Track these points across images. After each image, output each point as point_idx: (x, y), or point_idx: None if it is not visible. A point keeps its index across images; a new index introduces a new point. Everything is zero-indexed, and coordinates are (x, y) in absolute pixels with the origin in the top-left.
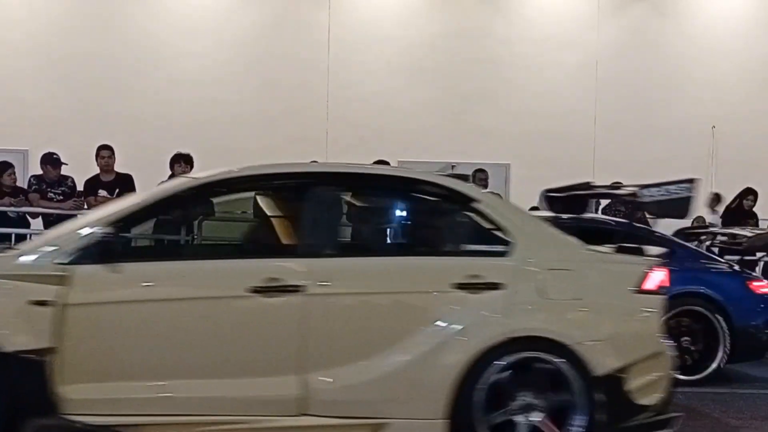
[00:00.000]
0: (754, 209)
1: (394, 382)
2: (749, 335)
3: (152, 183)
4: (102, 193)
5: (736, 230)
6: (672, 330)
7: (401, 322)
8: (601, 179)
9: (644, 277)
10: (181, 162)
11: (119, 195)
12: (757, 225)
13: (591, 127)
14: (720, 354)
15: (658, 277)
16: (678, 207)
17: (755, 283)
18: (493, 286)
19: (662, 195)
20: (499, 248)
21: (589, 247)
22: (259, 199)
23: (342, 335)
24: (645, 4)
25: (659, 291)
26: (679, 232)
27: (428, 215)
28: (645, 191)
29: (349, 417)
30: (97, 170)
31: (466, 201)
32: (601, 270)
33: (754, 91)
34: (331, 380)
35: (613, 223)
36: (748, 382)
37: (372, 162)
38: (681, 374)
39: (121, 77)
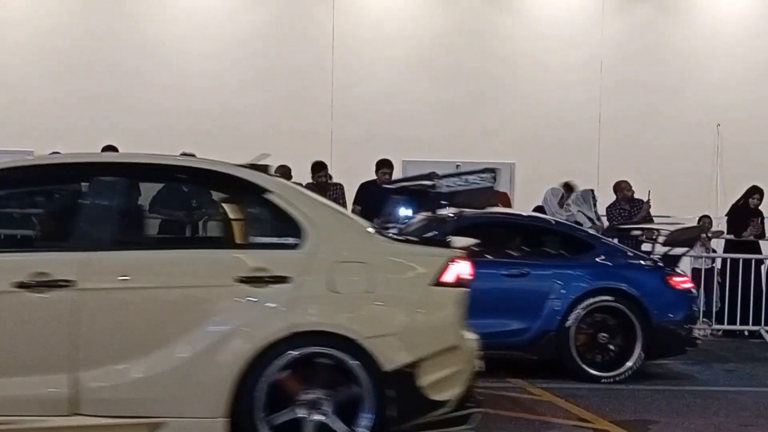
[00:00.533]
0: (761, 208)
1: (171, 379)
2: (668, 331)
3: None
4: None
5: (656, 225)
6: (589, 326)
7: (180, 317)
8: (606, 178)
9: (443, 269)
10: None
11: None
12: (763, 223)
13: (596, 125)
14: (637, 351)
15: (457, 270)
16: (478, 197)
17: (676, 279)
18: (280, 280)
19: (461, 185)
20: (291, 240)
21: (388, 239)
22: (35, 190)
23: (115, 332)
24: (650, 3)
25: (458, 284)
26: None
27: (217, 207)
28: (443, 182)
29: (123, 416)
30: None
31: (257, 192)
32: (397, 262)
33: (759, 90)
34: (104, 378)
35: (524, 217)
36: (669, 379)
37: (376, 161)
38: (597, 371)
39: (126, 78)
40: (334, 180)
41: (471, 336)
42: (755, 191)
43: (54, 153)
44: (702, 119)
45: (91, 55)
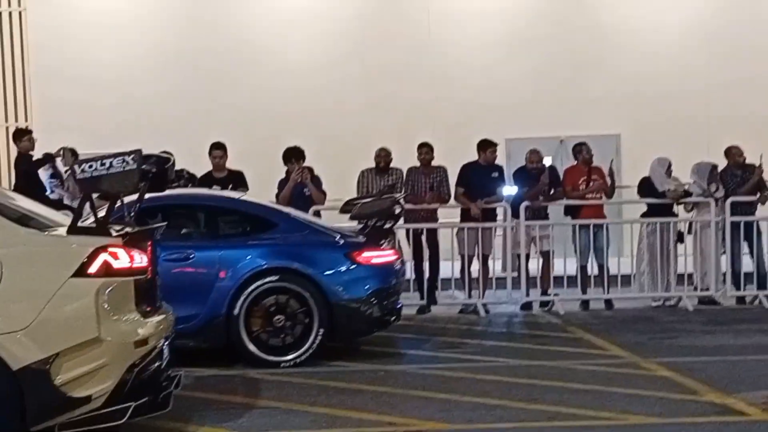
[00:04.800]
0: None
1: None
2: (351, 311)
3: (265, 177)
4: (215, 188)
5: None
6: (264, 309)
7: None
8: (717, 140)
9: (86, 259)
10: (292, 159)
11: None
12: None
13: (703, 86)
14: (313, 332)
15: (107, 259)
16: (121, 182)
17: (365, 254)
18: None
19: (102, 170)
20: None
21: (33, 230)
22: None
23: None
24: None
25: (109, 273)
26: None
27: None
28: (82, 167)
29: None
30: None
31: None
32: (33, 253)
33: None
34: None
35: (202, 197)
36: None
37: (478, 141)
38: (275, 356)
39: (229, 72)
40: (436, 163)
41: (137, 326)
42: None
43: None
44: None
45: (194, 53)
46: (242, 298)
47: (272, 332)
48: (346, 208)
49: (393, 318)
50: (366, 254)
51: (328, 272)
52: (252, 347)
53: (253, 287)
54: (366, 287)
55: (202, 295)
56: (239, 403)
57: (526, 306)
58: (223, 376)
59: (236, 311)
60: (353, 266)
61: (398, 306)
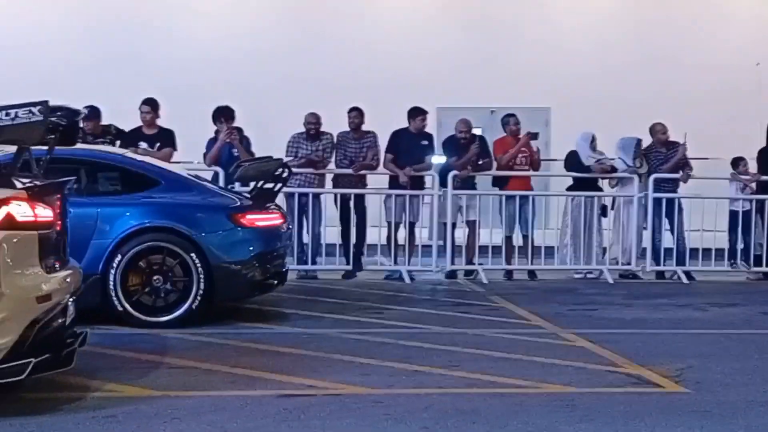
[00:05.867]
0: None
1: None
2: (231, 273)
3: (194, 135)
4: (143, 145)
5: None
6: (142, 268)
7: None
8: (644, 119)
9: None
10: (222, 118)
11: (160, 149)
12: None
13: (629, 67)
14: (192, 293)
15: (6, 212)
16: (26, 132)
17: (249, 216)
18: None
19: (6, 120)
20: None
21: None
22: None
23: None
24: None
25: (6, 226)
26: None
27: None
28: None
29: None
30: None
31: None
32: None
33: None
34: None
35: (108, 153)
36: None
37: (408, 109)
38: (152, 316)
39: (155, 25)
40: (366, 128)
41: (40, 281)
42: None
43: (87, 107)
44: (742, 58)
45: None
46: (119, 257)
47: (149, 292)
48: (235, 169)
49: (276, 282)
50: (250, 216)
51: (209, 233)
52: (128, 306)
53: (130, 246)
54: (249, 250)
55: (78, 253)
56: (157, 362)
57: (451, 274)
58: (142, 335)
59: (112, 270)
60: (236, 228)
61: (283, 269)
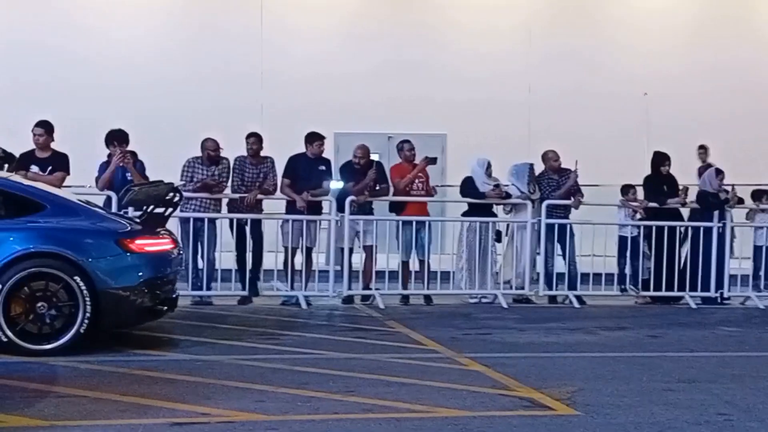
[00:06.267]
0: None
1: None
2: (119, 299)
3: (88, 159)
4: (34, 168)
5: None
6: (26, 295)
7: None
8: (537, 146)
9: None
10: (114, 142)
11: (52, 172)
12: (677, 189)
13: (526, 93)
14: (79, 320)
15: None
16: None
17: (138, 241)
18: None
19: None
20: None
21: None
22: None
23: None
24: None
25: None
26: None
27: None
28: None
29: None
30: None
31: None
32: None
33: (684, 58)
34: None
35: None
36: (593, 345)
37: (306, 134)
38: (34, 344)
39: (56, 49)
40: (264, 153)
41: None
42: (664, 158)
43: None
44: (630, 88)
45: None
46: (0, 285)
47: (33, 319)
48: (124, 194)
49: (167, 308)
50: (139, 242)
51: (95, 258)
52: (9, 333)
53: (14, 272)
54: (137, 275)
55: None
56: (45, 391)
57: (348, 299)
58: (29, 363)
59: None
60: (125, 254)
61: (173, 296)
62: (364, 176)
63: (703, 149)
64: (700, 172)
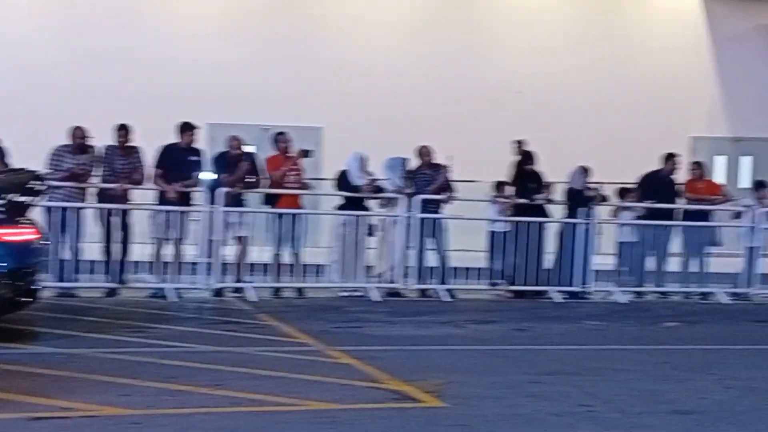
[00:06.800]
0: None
1: None
2: None
3: None
4: None
5: None
6: None
7: None
8: (417, 142)
9: None
10: None
11: None
12: (542, 186)
13: (404, 89)
14: None
15: None
16: None
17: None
18: None
19: None
20: None
21: None
22: None
23: None
24: None
25: None
26: None
27: None
28: None
29: None
30: None
31: None
32: None
33: (556, 57)
34: None
35: None
36: (463, 338)
37: (179, 124)
38: None
39: None
40: (135, 142)
41: None
42: (530, 157)
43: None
44: (504, 86)
45: None
46: None
47: None
48: None
49: (28, 300)
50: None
51: None
52: None
53: None
54: None
55: None
56: None
57: (219, 292)
58: None
59: None
60: None
61: (36, 287)
62: (237, 167)
63: (518, 143)
64: (517, 166)
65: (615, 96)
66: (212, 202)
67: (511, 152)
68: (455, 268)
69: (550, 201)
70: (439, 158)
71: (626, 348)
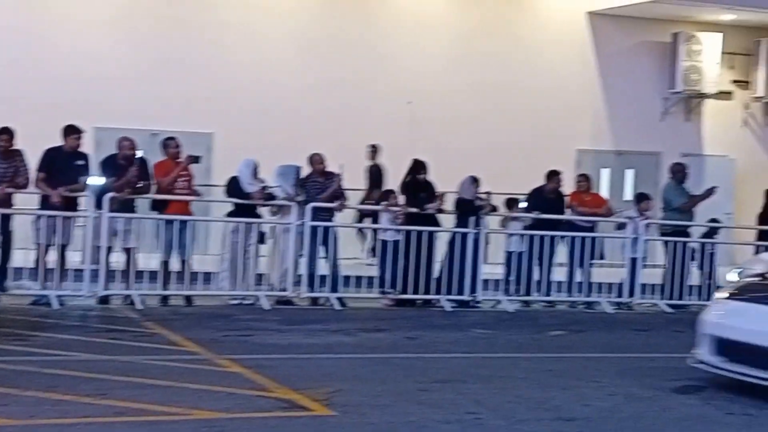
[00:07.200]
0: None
1: None
2: None
3: None
4: None
5: None
6: None
7: None
8: (304, 149)
9: None
10: None
11: None
12: (434, 196)
13: (295, 98)
14: None
15: None
16: None
17: None
18: None
19: None
20: None
21: None
22: None
23: None
24: None
25: None
26: None
27: None
28: None
29: None
30: None
31: None
32: None
33: (447, 69)
34: None
35: None
36: (353, 346)
37: (63, 128)
38: None
39: None
40: (21, 146)
41: None
42: (422, 166)
43: None
44: (395, 97)
45: None
46: None
47: None
48: None
49: None
50: None
51: None
52: None
53: None
54: None
55: None
56: None
57: (104, 300)
58: None
59: None
60: None
61: None
62: (125, 172)
63: (372, 148)
64: (370, 170)
65: (504, 109)
66: (99, 207)
67: (366, 157)
68: (346, 277)
69: (441, 210)
70: (331, 166)
71: (513, 356)
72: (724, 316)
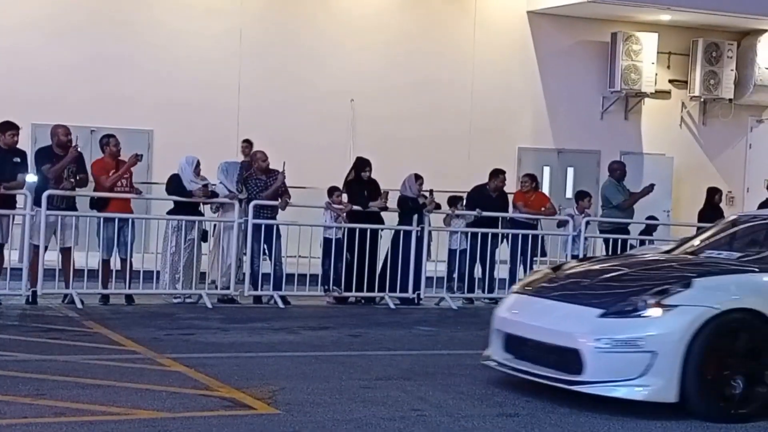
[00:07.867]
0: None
1: None
2: None
3: None
4: None
5: None
6: None
7: None
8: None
9: None
10: None
11: None
12: (376, 193)
13: (235, 96)
14: None
15: None
16: None
17: None
18: None
19: None
20: None
21: None
22: None
23: None
24: None
25: None
26: None
27: None
28: None
29: None
30: None
31: None
32: None
33: (389, 68)
34: None
35: None
36: (296, 344)
37: None
38: None
39: None
40: None
41: None
42: (366, 163)
43: None
44: (338, 93)
45: None
46: None
47: None
48: None
49: None
50: None
51: None
52: None
53: None
54: None
55: None
56: None
57: (35, 299)
58: None
59: None
60: None
61: None
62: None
63: (246, 143)
64: (245, 167)
65: (446, 107)
66: (36, 204)
67: (241, 151)
68: (290, 275)
69: (384, 208)
70: (273, 164)
71: (457, 353)
72: (511, 311)
